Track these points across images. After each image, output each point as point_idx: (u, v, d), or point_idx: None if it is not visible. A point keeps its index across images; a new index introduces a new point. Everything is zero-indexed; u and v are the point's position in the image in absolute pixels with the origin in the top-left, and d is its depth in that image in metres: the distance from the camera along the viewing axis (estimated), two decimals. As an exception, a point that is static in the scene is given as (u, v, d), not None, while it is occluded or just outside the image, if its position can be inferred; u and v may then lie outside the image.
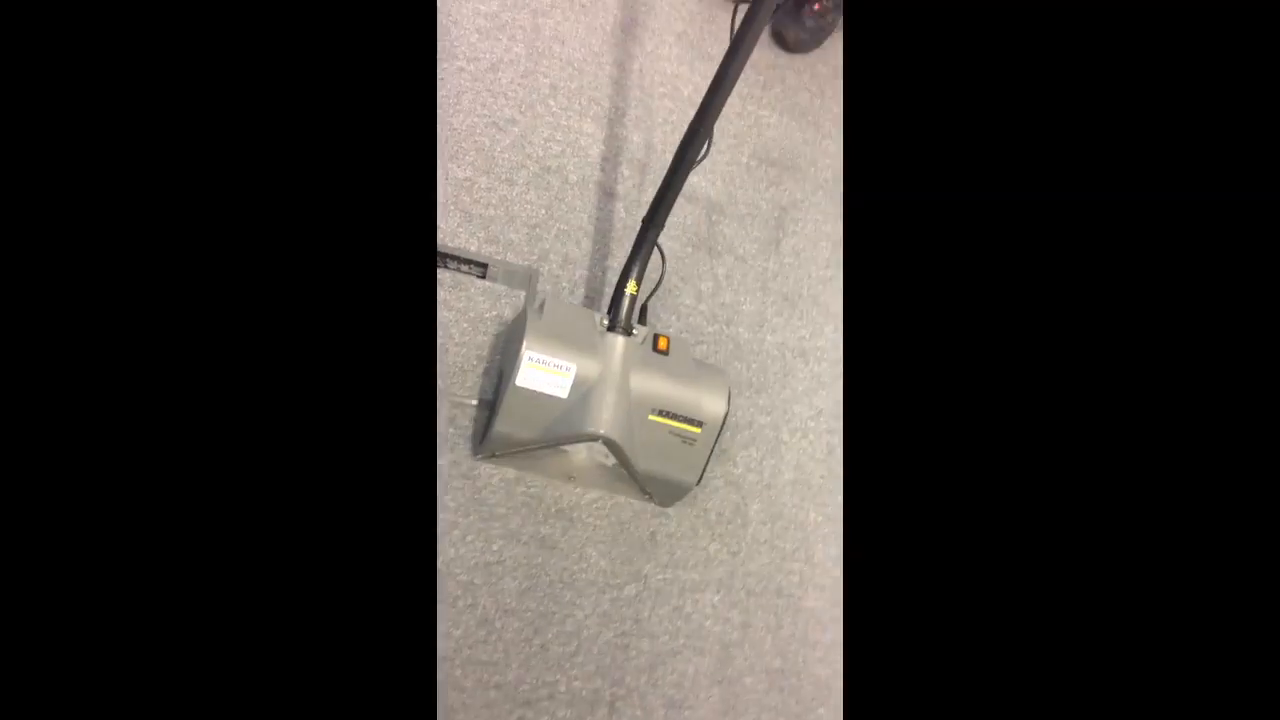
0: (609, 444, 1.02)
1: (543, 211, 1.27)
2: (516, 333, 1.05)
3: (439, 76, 1.26)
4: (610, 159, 1.34)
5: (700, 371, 1.10)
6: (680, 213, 1.36)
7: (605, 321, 1.05)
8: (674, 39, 1.48)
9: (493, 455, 1.07)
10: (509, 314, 1.19)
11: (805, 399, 1.33)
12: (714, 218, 1.39)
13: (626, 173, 1.35)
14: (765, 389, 1.32)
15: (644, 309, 1.11)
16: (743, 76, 1.51)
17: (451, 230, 1.20)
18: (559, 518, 1.10)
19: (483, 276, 1.19)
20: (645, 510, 1.15)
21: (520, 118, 1.30)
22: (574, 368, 1.00)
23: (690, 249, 1.35)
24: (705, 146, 1.04)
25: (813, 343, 1.38)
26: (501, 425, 1.01)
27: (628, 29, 1.44)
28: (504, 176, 1.26)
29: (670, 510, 1.16)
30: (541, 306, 1.04)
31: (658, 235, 1.05)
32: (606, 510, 1.13)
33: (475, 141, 1.25)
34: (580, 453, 1.09)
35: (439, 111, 1.25)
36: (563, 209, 1.28)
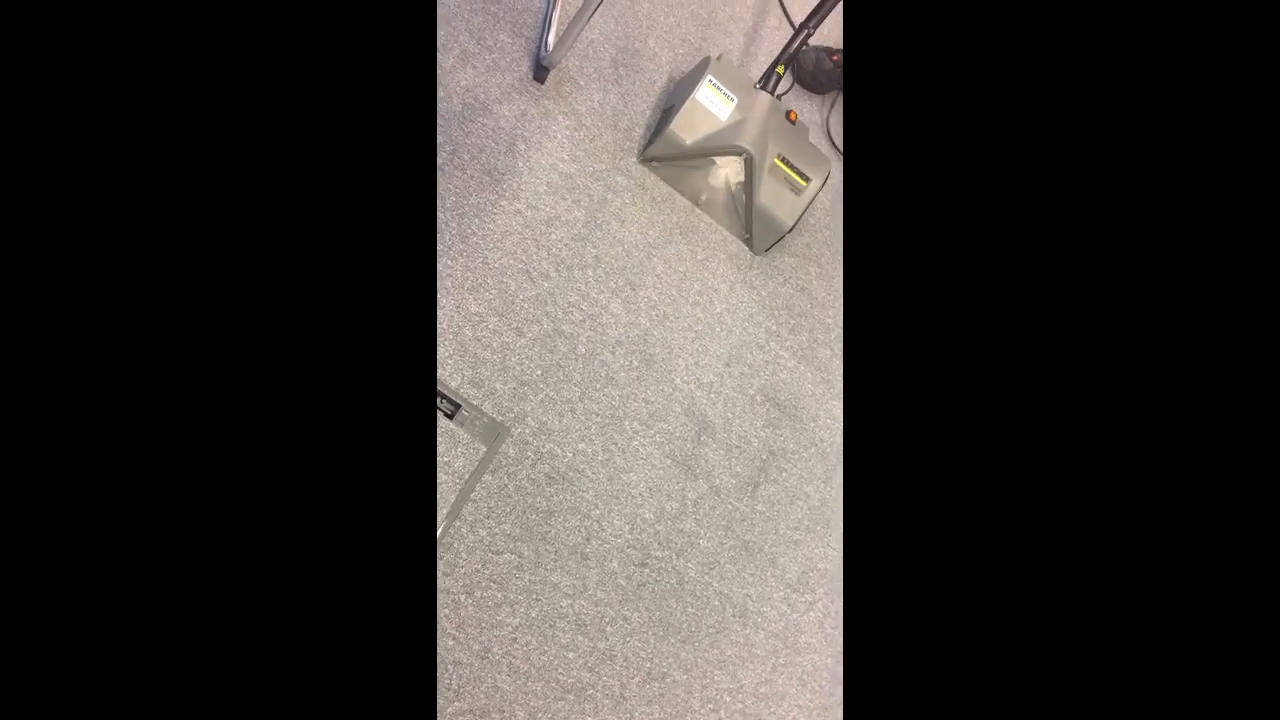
0: (749, 161, 1.37)
1: (538, 372, 1.21)
2: (696, 72, 1.43)
3: (493, 212, 1.25)
4: (623, 345, 1.31)
5: (814, 148, 1.48)
6: (670, 421, 1.30)
7: (758, 85, 1.44)
8: (725, 257, 1.50)
9: (653, 160, 1.41)
10: (460, 465, 1.09)
11: (729, 667, 1.20)
12: (703, 438, 1.34)
13: (633, 364, 1.31)
14: (692, 640, 1.19)
15: (780, 95, 1.50)
16: (774, 314, 1.53)
17: (440, 359, 1.13)
18: None
19: (450, 416, 1.11)
20: (514, 742, 0.98)
21: (554, 275, 1.28)
22: (736, 99, 1.38)
23: (669, 461, 1.28)
24: None
25: (756, 606, 1.27)
26: (674, 128, 1.35)
27: (686, 233, 1.47)
28: (515, 324, 1.21)
29: (541, 752, 0.99)
30: (719, 58, 1.41)
31: (808, 39, 1.43)
32: (472, 728, 0.96)
33: (501, 283, 1.22)
34: (715, 178, 1.43)
35: (478, 242, 1.22)
36: (559, 376, 1.22)
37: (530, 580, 1.10)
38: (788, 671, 1.26)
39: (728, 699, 1.19)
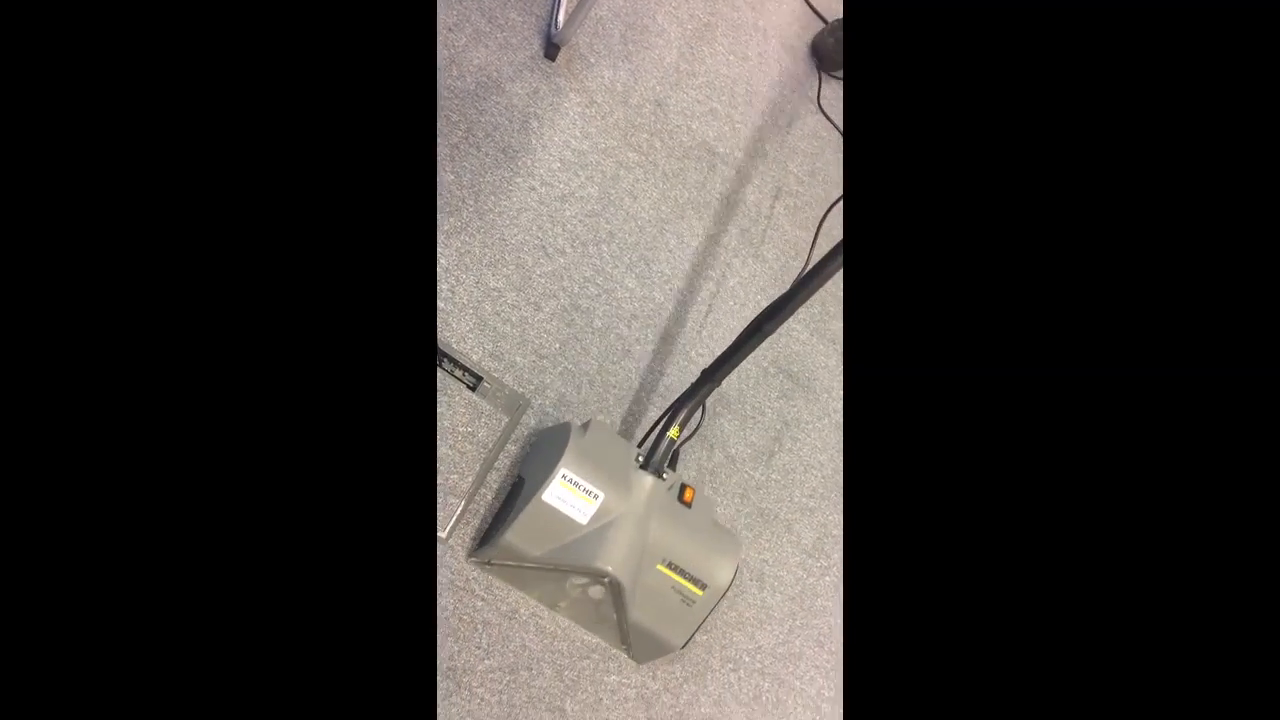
0: (613, 585, 0.99)
1: (556, 345, 1.23)
2: (554, 444, 1.02)
3: (508, 189, 1.27)
4: (639, 319, 1.33)
5: (717, 535, 1.07)
6: (687, 393, 1.33)
7: (640, 459, 1.04)
8: (738, 232, 1.52)
9: (488, 563, 1.03)
10: (484, 435, 1.12)
11: (747, 629, 1.24)
12: (718, 409, 1.36)
13: (649, 337, 1.33)
14: (711, 603, 1.22)
15: (675, 455, 1.08)
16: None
17: (460, 333, 1.16)
18: None
19: (473, 389, 1.14)
20: None
21: (570, 250, 1.30)
22: (602, 497, 0.98)
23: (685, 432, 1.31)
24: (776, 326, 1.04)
25: (773, 570, 1.30)
26: (513, 536, 0.97)
27: (698, 208, 1.48)
28: (533, 299, 1.23)
29: None
30: (586, 426, 1.03)
31: (711, 391, 1.06)
32: None
33: (519, 258, 1.24)
34: (575, 586, 1.03)
35: (494, 219, 1.25)
36: (576, 350, 1.25)
37: (553, 546, 1.13)
38: (804, 633, 1.30)
39: (746, 659, 1.22)
